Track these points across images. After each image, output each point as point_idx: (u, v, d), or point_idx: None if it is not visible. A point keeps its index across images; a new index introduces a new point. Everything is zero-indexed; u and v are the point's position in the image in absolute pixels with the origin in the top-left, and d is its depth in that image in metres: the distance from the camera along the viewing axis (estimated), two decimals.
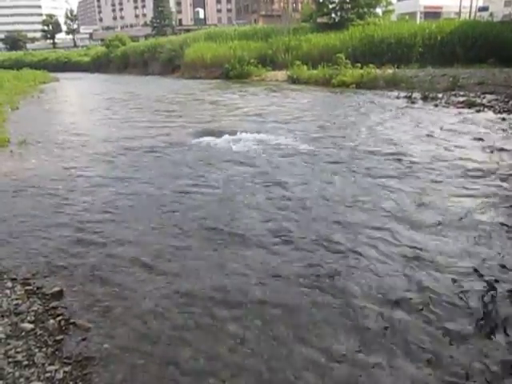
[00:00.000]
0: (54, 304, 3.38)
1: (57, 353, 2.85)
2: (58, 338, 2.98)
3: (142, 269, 3.86)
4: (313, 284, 3.54)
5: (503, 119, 10.13)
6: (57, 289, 3.55)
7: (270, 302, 3.31)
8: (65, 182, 6.59)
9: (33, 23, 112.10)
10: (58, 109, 17.17)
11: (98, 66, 53.42)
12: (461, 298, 3.25)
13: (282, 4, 68.35)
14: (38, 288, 3.63)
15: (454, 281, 3.48)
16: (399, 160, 7.00)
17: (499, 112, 11.08)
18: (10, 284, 3.70)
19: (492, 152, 7.30)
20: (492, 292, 3.32)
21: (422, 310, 3.14)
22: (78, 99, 22.06)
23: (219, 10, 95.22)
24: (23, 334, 3.02)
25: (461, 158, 6.94)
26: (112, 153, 8.38)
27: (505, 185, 5.66)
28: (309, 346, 2.85)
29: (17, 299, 3.47)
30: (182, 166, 7.18)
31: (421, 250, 3.98)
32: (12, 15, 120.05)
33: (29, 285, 3.69)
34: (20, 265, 4.04)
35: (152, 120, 12.46)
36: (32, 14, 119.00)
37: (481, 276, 3.53)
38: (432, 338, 2.85)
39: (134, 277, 3.74)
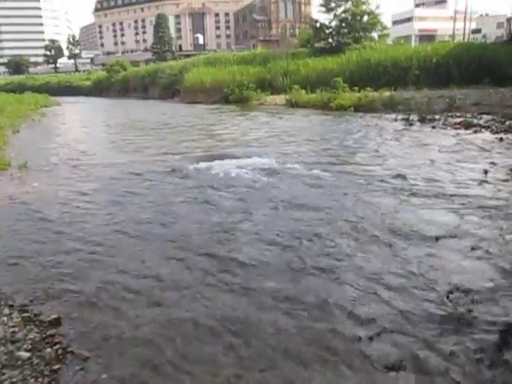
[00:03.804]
0: (51, 332, 3.32)
1: (53, 383, 2.78)
2: (55, 367, 2.91)
3: (140, 296, 3.81)
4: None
5: (501, 139, 10.20)
6: (54, 316, 3.50)
7: (272, 333, 3.24)
8: (64, 206, 6.56)
9: (35, 48, 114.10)
10: (58, 132, 17.29)
11: (99, 90, 54.15)
12: None
13: (279, 30, 69.88)
14: (35, 315, 3.57)
15: None
16: (398, 183, 7.00)
17: (496, 132, 11.16)
18: (7, 311, 3.64)
19: (492, 173, 7.31)
20: None
21: None
22: (78, 123, 22.22)
23: (218, 36, 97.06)
24: (19, 363, 2.96)
25: (460, 182, 6.93)
26: (112, 178, 8.37)
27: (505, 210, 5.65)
28: None
29: (14, 327, 3.41)
30: (182, 192, 7.11)
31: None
32: (15, 40, 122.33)
33: (26, 312, 3.63)
34: (18, 291, 3.98)
35: (151, 145, 12.48)
36: (35, 39, 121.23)
37: None
38: None
39: (133, 304, 3.69)
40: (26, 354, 3.04)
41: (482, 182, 6.78)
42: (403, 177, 7.30)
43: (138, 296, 3.82)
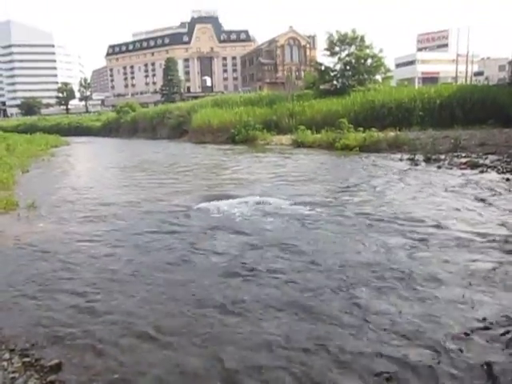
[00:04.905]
0: (51, 378, 3.23)
1: None
2: None
3: (143, 340, 3.72)
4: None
5: (507, 179, 10.15)
6: (55, 361, 3.41)
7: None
8: (69, 247, 6.53)
9: (48, 90, 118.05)
10: (66, 172, 17.46)
11: (109, 130, 55.22)
12: None
13: (285, 72, 71.89)
14: (36, 360, 3.48)
15: None
16: (404, 225, 6.92)
17: (502, 172, 11.13)
18: (7, 355, 3.56)
19: (500, 215, 7.21)
20: None
21: None
22: (86, 164, 22.51)
23: (226, 78, 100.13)
24: None
25: (467, 224, 6.84)
26: (118, 217, 8.36)
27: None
28: None
29: (14, 372, 3.33)
30: (186, 233, 7.04)
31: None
32: (29, 83, 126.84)
33: (27, 356, 3.55)
34: (19, 334, 3.91)
35: (158, 185, 12.51)
36: (48, 82, 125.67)
37: None
38: None
39: (136, 349, 3.60)
40: None
41: (491, 223, 6.69)
42: (412, 219, 7.22)
43: (142, 341, 3.73)
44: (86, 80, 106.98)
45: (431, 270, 4.99)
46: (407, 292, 4.42)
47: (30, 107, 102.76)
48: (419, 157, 14.41)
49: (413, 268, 5.03)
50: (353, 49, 33.53)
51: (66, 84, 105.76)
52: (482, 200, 8.30)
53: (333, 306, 4.19)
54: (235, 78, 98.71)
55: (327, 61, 35.37)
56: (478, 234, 6.16)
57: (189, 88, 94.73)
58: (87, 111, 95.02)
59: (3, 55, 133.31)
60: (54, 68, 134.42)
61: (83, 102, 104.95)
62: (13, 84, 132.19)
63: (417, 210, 7.84)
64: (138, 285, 5.00)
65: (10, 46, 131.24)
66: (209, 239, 6.62)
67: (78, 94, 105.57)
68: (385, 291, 4.47)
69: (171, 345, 3.66)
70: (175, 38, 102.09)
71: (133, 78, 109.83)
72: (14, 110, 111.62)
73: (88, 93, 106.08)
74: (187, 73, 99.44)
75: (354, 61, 32.88)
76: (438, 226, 6.67)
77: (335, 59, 34.30)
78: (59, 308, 4.41)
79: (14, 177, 13.63)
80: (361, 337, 3.62)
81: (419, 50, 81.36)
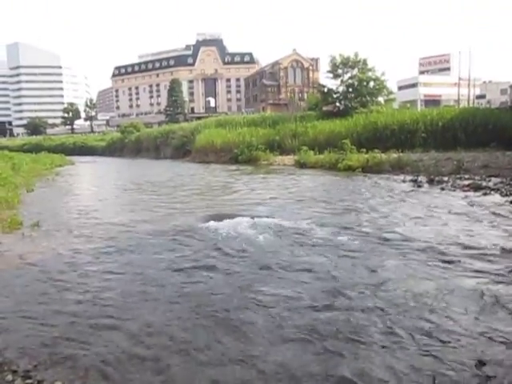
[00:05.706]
0: None
1: None
2: None
3: (148, 362, 3.69)
4: None
5: (511, 202, 10.13)
6: (58, 383, 3.38)
7: None
8: (73, 267, 6.51)
9: (54, 110, 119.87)
10: (71, 192, 17.53)
11: (113, 150, 55.77)
12: None
13: (288, 94, 72.73)
14: (38, 381, 3.45)
15: None
16: (409, 247, 6.90)
17: (506, 195, 11.11)
18: (10, 377, 3.53)
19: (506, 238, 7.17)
20: None
21: None
22: (91, 183, 22.58)
23: (229, 99, 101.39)
24: None
25: (473, 247, 6.78)
26: (122, 237, 8.35)
27: None
28: None
29: None
30: (190, 253, 7.00)
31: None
32: (35, 103, 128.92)
33: (29, 378, 3.52)
34: (22, 355, 3.88)
35: (162, 204, 12.52)
36: (54, 103, 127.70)
37: None
38: None
39: (140, 372, 3.56)
40: None
41: (495, 248, 6.65)
42: (411, 240, 7.20)
43: (147, 362, 3.69)
44: (91, 100, 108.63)
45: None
46: None
47: (35, 127, 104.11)
48: (422, 178, 14.44)
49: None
50: (355, 71, 33.95)
51: (71, 104, 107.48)
52: (489, 222, 8.25)
53: None
54: (239, 99, 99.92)
55: (330, 83, 35.84)
56: (490, 262, 6.07)
57: (193, 109, 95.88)
58: (92, 131, 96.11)
59: (11, 76, 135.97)
60: (61, 89, 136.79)
61: (88, 122, 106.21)
62: (19, 104, 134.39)
63: (423, 232, 7.78)
64: (143, 304, 4.97)
65: (17, 68, 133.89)
66: (218, 258, 6.60)
67: (83, 114, 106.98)
68: None
69: (178, 366, 3.63)
70: (180, 60, 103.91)
71: (138, 98, 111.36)
72: (20, 130, 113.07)
73: (93, 113, 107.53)
74: (191, 94, 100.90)
75: (356, 83, 33.26)
76: (447, 250, 6.61)
77: (338, 81, 34.76)
78: (62, 329, 4.38)
79: (19, 196, 13.67)
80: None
81: (421, 73, 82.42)
